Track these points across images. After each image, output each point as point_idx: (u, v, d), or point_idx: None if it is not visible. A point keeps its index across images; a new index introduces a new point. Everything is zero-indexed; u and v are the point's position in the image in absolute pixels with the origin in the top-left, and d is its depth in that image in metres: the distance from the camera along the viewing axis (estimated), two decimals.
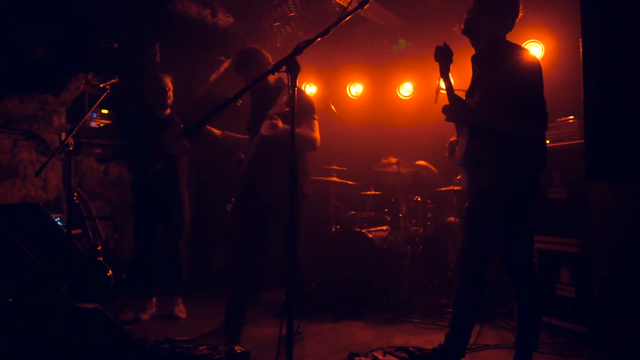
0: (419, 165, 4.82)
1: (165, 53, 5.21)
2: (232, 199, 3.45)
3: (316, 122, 3.41)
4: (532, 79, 2.43)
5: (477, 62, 2.70)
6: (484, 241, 2.64)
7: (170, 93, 4.09)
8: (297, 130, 3.24)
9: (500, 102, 2.43)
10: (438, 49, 2.65)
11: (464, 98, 2.71)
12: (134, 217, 4.19)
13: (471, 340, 3.23)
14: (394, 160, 4.58)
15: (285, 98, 3.05)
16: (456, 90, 2.65)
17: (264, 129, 3.14)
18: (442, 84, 2.84)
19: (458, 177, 2.81)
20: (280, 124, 3.12)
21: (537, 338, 2.60)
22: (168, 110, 4.14)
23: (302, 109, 3.24)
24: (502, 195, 2.46)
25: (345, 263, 4.44)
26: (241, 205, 3.42)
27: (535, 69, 2.44)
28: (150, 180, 4.00)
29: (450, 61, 2.64)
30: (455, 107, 2.57)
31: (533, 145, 2.45)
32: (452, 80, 2.65)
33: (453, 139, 2.86)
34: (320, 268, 4.57)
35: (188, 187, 4.28)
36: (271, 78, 3.44)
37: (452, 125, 2.78)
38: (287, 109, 3.15)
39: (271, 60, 3.49)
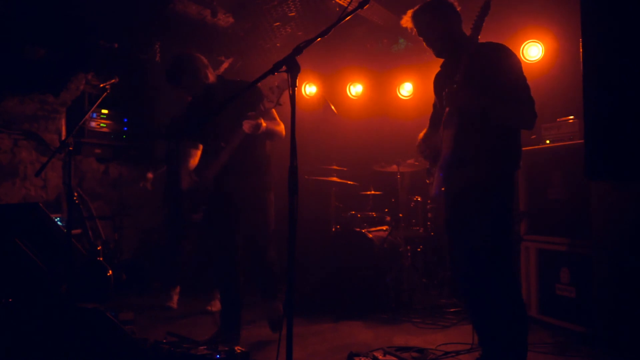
0: None
1: (165, 53, 5.21)
2: (203, 208, 3.36)
3: (274, 111, 3.29)
4: (518, 74, 2.40)
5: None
6: (468, 243, 2.51)
7: None
8: (271, 126, 3.23)
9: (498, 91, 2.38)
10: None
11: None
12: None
13: (471, 340, 3.24)
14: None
15: (269, 98, 2.96)
16: None
17: (248, 128, 3.04)
18: None
19: (428, 182, 2.73)
20: (263, 122, 3.07)
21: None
22: None
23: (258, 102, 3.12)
24: (485, 192, 2.41)
25: (345, 263, 4.43)
26: (213, 214, 3.35)
27: (515, 60, 2.43)
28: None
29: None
30: (463, 90, 2.39)
31: (512, 141, 2.45)
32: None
33: (421, 136, 2.77)
34: (321, 268, 4.58)
35: None
36: (211, 77, 3.35)
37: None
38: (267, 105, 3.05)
39: (206, 61, 3.37)
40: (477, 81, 2.41)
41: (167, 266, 4.56)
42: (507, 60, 2.43)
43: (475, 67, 2.41)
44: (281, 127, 3.32)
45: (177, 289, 4.46)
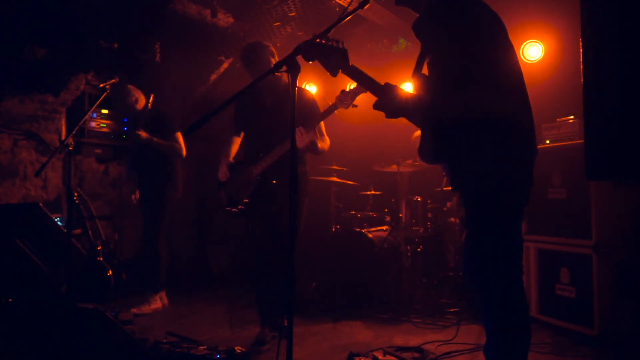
0: None
1: (165, 53, 5.21)
2: (245, 200, 3.43)
3: (323, 124, 3.49)
4: (485, 36, 1.96)
5: (420, 30, 2.22)
6: (469, 241, 2.29)
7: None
8: (323, 145, 3.46)
9: (451, 77, 2.01)
10: (306, 47, 2.06)
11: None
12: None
13: (471, 340, 3.24)
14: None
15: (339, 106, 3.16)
16: None
17: (302, 144, 3.16)
18: None
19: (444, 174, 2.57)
20: (314, 138, 3.25)
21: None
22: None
23: (315, 117, 3.36)
24: (480, 192, 2.10)
25: (345, 263, 4.44)
26: (252, 208, 3.41)
27: (487, 22, 1.98)
28: None
29: (333, 55, 2.21)
30: (387, 102, 2.15)
31: (502, 134, 2.00)
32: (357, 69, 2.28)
33: (417, 133, 2.55)
34: (320, 268, 4.58)
35: (188, 186, 4.44)
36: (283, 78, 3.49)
37: None
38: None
39: (274, 53, 3.57)
40: (437, 69, 2.11)
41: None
42: (456, 29, 1.96)
43: (434, 44, 2.12)
44: (325, 144, 3.48)
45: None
